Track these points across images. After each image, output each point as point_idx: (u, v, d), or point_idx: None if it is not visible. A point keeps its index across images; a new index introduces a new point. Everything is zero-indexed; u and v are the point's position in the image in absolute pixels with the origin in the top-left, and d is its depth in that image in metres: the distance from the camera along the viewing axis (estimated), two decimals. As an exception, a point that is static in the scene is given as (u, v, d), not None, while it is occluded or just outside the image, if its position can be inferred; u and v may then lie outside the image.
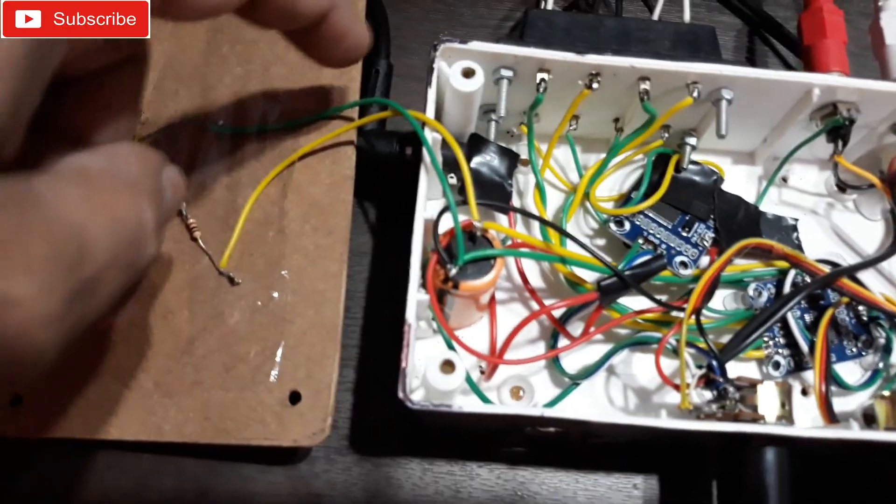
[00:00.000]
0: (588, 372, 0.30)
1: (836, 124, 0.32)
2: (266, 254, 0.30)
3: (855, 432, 0.27)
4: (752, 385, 0.28)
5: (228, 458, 0.30)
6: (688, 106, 0.30)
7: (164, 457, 0.30)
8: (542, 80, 0.30)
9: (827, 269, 0.31)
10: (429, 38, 0.30)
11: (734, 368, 0.30)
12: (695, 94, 0.30)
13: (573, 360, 0.31)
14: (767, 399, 0.28)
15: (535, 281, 0.33)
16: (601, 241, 0.34)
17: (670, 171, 0.33)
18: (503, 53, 0.29)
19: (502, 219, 0.33)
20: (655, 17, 0.35)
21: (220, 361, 0.29)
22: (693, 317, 0.29)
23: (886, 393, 0.30)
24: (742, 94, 0.31)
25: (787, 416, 0.28)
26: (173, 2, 0.21)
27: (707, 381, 0.28)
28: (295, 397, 0.28)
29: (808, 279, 0.32)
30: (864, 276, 0.34)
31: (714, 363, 0.28)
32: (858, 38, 0.36)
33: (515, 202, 0.34)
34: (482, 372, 0.31)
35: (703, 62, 0.30)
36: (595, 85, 0.30)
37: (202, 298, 0.30)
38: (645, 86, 0.30)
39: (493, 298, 0.32)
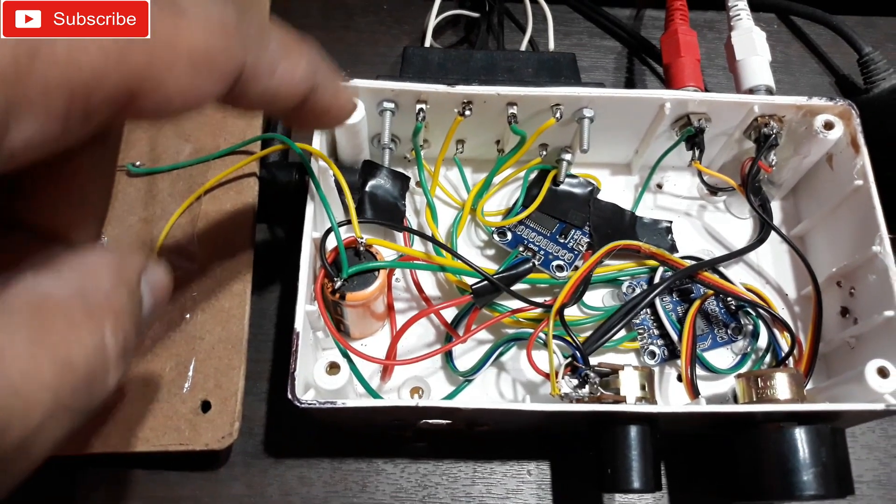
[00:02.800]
0: (476, 368, 0.33)
1: (689, 133, 0.35)
2: (179, 279, 0.33)
3: (701, 406, 0.30)
4: (615, 371, 0.31)
5: (156, 466, 0.33)
6: (553, 126, 0.34)
7: (96, 468, 0.33)
8: (421, 109, 0.34)
9: (689, 263, 0.35)
10: (337, 76, 0.33)
11: (626, 359, 0.34)
12: (558, 115, 0.34)
13: (467, 360, 0.34)
14: (628, 382, 0.31)
15: (433, 290, 0.36)
16: (491, 251, 0.37)
17: (547, 185, 0.36)
18: (381, 88, 0.33)
19: (399, 236, 0.36)
20: (523, 48, 0.38)
21: (140, 377, 0.32)
22: (560, 313, 0.32)
23: (743, 370, 0.33)
24: (603, 113, 0.35)
25: (648, 397, 0.31)
26: (145, 97, 0.16)
27: (573, 370, 0.31)
28: (206, 406, 0.31)
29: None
30: (735, 269, 0.38)
31: (577, 354, 0.31)
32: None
33: (412, 220, 0.37)
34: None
35: (563, 86, 0.34)
36: (468, 112, 0.34)
37: (123, 321, 0.33)
38: (513, 110, 0.34)
39: (391, 308, 0.35)
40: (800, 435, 0.30)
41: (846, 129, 0.35)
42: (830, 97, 0.35)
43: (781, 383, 0.31)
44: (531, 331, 0.33)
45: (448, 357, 0.34)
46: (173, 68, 0.17)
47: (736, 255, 0.36)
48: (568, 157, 0.37)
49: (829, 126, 0.34)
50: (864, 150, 0.34)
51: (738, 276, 0.37)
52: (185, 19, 0.17)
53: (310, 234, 0.31)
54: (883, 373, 0.30)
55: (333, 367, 0.29)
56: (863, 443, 0.36)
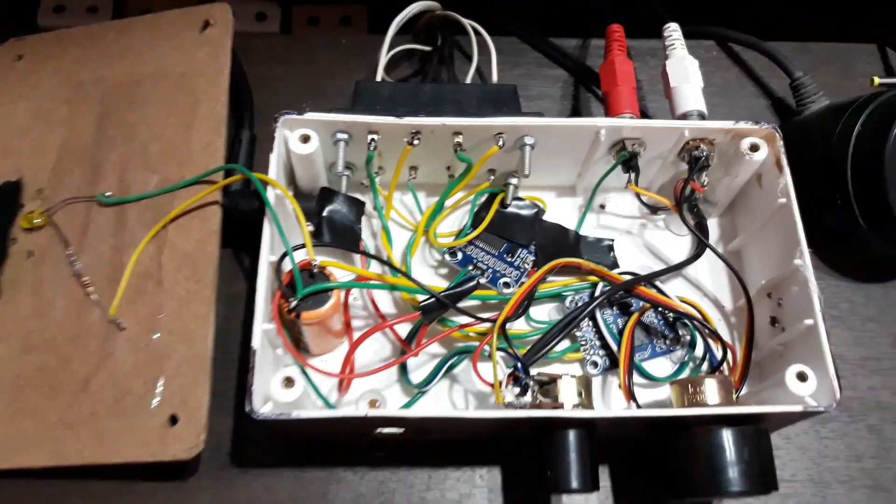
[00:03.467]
0: (428, 380, 0.36)
1: (624, 158, 0.38)
2: (147, 302, 0.36)
3: (632, 411, 0.33)
4: (553, 380, 0.33)
5: (128, 477, 0.35)
6: (496, 153, 0.36)
7: (72, 480, 0.35)
8: (373, 139, 0.36)
9: (626, 278, 0.37)
10: (297, 109, 0.35)
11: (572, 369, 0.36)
12: (500, 142, 0.36)
13: (420, 374, 0.37)
14: (566, 390, 0.33)
15: (390, 308, 0.38)
16: (444, 271, 0.40)
17: (494, 207, 0.39)
18: (334, 121, 0.36)
19: (357, 258, 0.38)
20: (468, 80, 0.41)
21: (111, 395, 0.34)
22: (503, 327, 0.34)
23: (683, 377, 0.35)
24: (544, 140, 0.37)
25: (585, 404, 0.33)
26: None
27: (515, 380, 0.33)
28: (173, 420, 0.33)
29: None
30: (674, 283, 0.40)
31: (519, 365, 0.33)
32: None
33: (370, 242, 0.40)
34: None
35: (504, 116, 0.36)
36: (416, 141, 0.36)
37: (95, 343, 0.35)
38: (458, 139, 0.36)
39: (348, 325, 0.37)
40: (726, 436, 0.32)
41: (771, 150, 0.37)
42: (756, 121, 0.37)
43: (711, 389, 0.33)
44: (476, 344, 0.36)
45: (403, 371, 0.36)
46: None
47: (670, 271, 0.38)
48: (514, 181, 0.39)
49: (754, 148, 0.37)
50: (787, 170, 0.37)
51: (677, 289, 0.40)
52: None
53: (266, 257, 0.33)
54: (802, 377, 0.33)
55: (289, 382, 0.31)
56: (797, 444, 0.39)
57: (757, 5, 0.48)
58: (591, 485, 0.32)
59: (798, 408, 0.32)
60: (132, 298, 0.36)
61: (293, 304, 0.32)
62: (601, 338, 0.38)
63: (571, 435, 0.32)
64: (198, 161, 0.38)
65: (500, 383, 0.33)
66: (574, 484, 0.32)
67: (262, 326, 0.32)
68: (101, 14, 0.52)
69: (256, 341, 0.32)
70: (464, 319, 0.36)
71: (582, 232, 0.40)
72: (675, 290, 0.39)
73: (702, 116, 0.39)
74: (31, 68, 0.42)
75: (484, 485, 0.36)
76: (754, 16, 0.47)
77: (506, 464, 0.37)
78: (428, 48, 0.44)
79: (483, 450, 0.37)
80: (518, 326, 0.38)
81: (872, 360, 0.41)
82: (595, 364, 0.37)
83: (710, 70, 0.48)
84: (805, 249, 0.35)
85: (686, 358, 0.38)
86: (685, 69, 0.40)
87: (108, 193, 0.38)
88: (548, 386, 0.34)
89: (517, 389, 0.33)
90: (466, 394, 0.37)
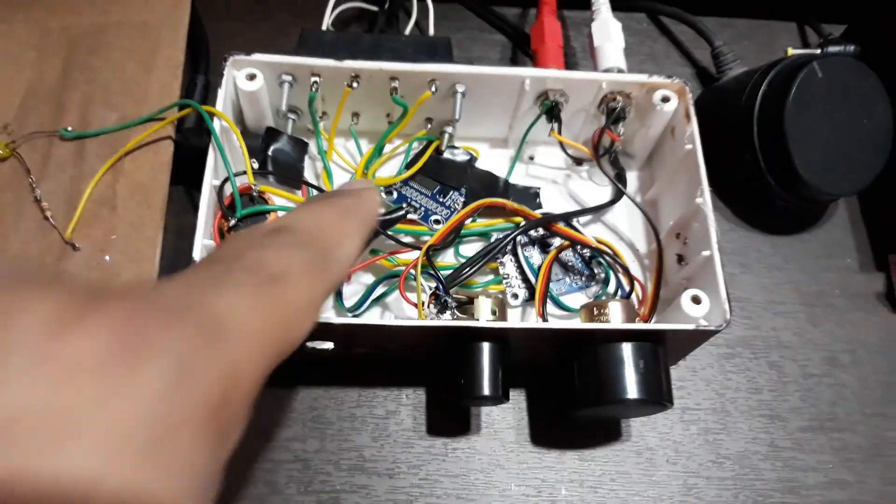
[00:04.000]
0: (359, 304, 0.39)
1: (547, 107, 0.41)
2: (101, 226, 0.38)
3: (538, 323, 0.36)
4: (471, 300, 0.37)
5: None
6: (430, 99, 0.40)
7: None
8: (315, 81, 0.39)
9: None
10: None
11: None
12: (433, 88, 0.40)
13: (354, 299, 0.40)
14: (482, 308, 0.36)
15: (329, 243, 0.41)
16: (382, 209, 0.43)
17: (430, 152, 0.42)
18: (278, 62, 0.39)
19: (298, 192, 0.41)
20: (407, 32, 0.44)
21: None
22: (427, 253, 0.37)
23: (584, 302, 0.38)
24: (474, 88, 0.40)
25: (498, 320, 0.36)
26: None
27: (436, 298, 0.37)
28: (120, 330, 0.36)
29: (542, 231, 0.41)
30: (594, 227, 0.43)
31: (440, 286, 0.36)
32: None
33: (313, 181, 0.43)
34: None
35: (437, 64, 0.39)
36: (355, 85, 0.39)
37: (51, 262, 0.38)
38: (395, 84, 0.40)
39: (289, 255, 0.40)
40: (625, 349, 0.35)
41: (681, 102, 0.41)
42: (668, 76, 0.41)
43: (614, 310, 0.36)
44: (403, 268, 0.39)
45: (338, 297, 0.39)
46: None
47: (587, 213, 0.42)
48: (449, 129, 0.42)
49: (665, 100, 0.40)
50: (694, 119, 0.40)
51: (597, 232, 0.43)
52: None
53: (209, 181, 0.36)
54: (696, 300, 0.36)
55: (225, 290, 0.34)
56: (702, 377, 0.42)
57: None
58: (501, 394, 0.35)
59: (690, 326, 0.35)
60: (88, 222, 0.39)
61: (232, 223, 0.35)
62: (522, 272, 0.41)
63: (485, 346, 0.35)
64: (155, 101, 0.41)
65: (423, 303, 0.36)
66: (486, 391, 0.35)
67: (203, 242, 0.35)
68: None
69: (197, 254, 0.35)
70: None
71: (511, 180, 0.44)
72: (595, 232, 0.43)
73: (620, 72, 0.42)
74: (1, 16, 0.45)
75: (409, 403, 0.39)
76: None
77: (430, 385, 0.40)
78: (375, 8, 0.47)
79: (410, 371, 0.40)
80: (447, 260, 0.41)
81: (776, 303, 0.44)
82: (516, 296, 0.40)
83: (640, 40, 0.51)
84: (706, 188, 0.38)
85: (600, 293, 0.41)
86: (608, 30, 0.43)
87: (69, 128, 0.41)
88: (466, 305, 0.37)
89: (437, 308, 0.37)
90: (395, 319, 0.40)
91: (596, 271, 0.42)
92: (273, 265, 0.21)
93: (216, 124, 0.37)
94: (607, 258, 0.41)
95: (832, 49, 0.48)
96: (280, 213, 0.37)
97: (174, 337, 0.17)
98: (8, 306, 0.15)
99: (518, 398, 0.40)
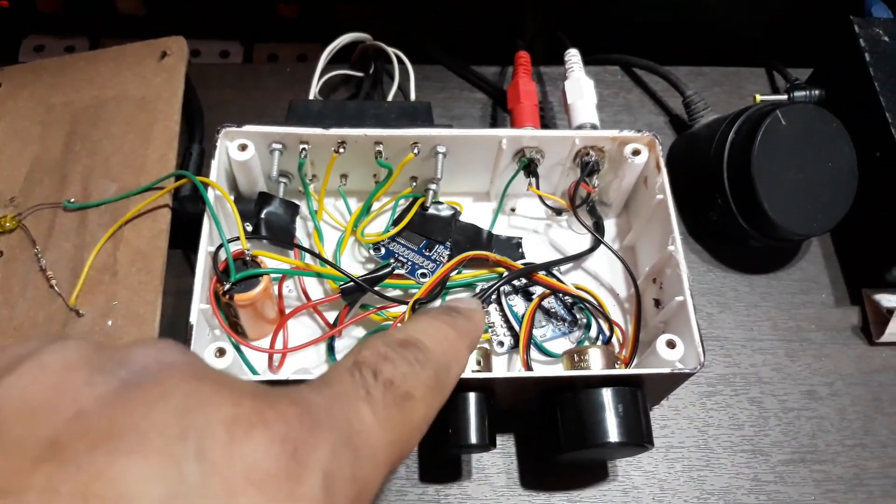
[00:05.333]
0: (351, 358, 0.40)
1: (524, 164, 0.43)
2: (104, 292, 0.41)
3: (522, 373, 0.37)
4: (457, 351, 0.38)
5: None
6: (413, 160, 0.42)
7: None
8: (303, 148, 0.42)
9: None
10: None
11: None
12: (416, 151, 0.42)
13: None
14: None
15: (321, 297, 0.43)
16: (371, 265, 0.45)
17: (415, 208, 0.44)
18: (268, 132, 0.41)
19: (292, 255, 0.43)
20: (391, 96, 0.47)
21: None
22: (414, 307, 0.39)
23: (567, 348, 0.40)
24: (454, 149, 0.43)
25: (483, 371, 0.38)
26: None
27: (423, 351, 0.38)
28: (123, 392, 0.38)
29: (524, 280, 0.43)
30: (574, 274, 0.45)
31: (426, 337, 0.38)
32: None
33: (305, 242, 0.45)
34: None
35: (418, 128, 0.42)
36: (342, 150, 0.42)
37: (56, 328, 0.40)
38: (379, 148, 0.42)
39: (282, 312, 0.42)
40: (605, 394, 0.37)
41: (651, 154, 0.43)
42: (639, 129, 0.43)
43: (594, 356, 0.38)
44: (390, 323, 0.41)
45: (330, 351, 0.41)
46: None
47: (566, 262, 0.44)
48: (433, 186, 0.45)
49: (636, 153, 0.43)
50: (664, 170, 0.42)
51: (578, 279, 0.45)
52: None
53: (205, 247, 0.38)
54: (671, 344, 0.38)
55: (220, 351, 0.36)
56: (685, 415, 0.43)
57: (658, 35, 0.55)
58: (488, 441, 0.37)
59: (666, 369, 0.37)
60: (91, 288, 0.41)
61: (226, 287, 0.37)
62: (506, 321, 0.43)
63: (471, 396, 0.37)
64: (152, 171, 0.43)
65: (410, 355, 0.38)
66: (473, 440, 0.36)
67: (199, 306, 0.37)
68: (79, 53, 0.58)
69: (193, 318, 0.36)
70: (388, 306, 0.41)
71: (494, 231, 0.46)
72: (576, 279, 0.45)
73: (594, 128, 0.45)
74: (8, 94, 0.47)
75: (402, 451, 0.41)
76: (655, 44, 0.53)
77: (423, 433, 0.41)
78: (360, 74, 0.50)
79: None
80: (435, 312, 0.43)
81: (755, 340, 0.46)
82: (501, 344, 0.42)
83: (615, 92, 0.54)
84: (677, 237, 0.40)
85: (583, 337, 0.43)
86: (580, 87, 0.46)
87: (72, 200, 0.43)
88: (451, 357, 0.39)
89: (424, 360, 0.38)
90: (387, 371, 0.42)
91: (578, 317, 0.43)
92: (406, 383, 0.23)
93: (210, 193, 0.39)
94: (588, 304, 0.43)
95: (798, 94, 0.51)
96: (290, 278, 0.39)
97: (327, 451, 0.18)
98: (191, 403, 0.17)
99: (507, 443, 0.41)
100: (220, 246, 0.38)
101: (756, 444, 0.43)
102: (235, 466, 0.16)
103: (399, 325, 0.39)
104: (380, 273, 0.40)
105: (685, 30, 0.56)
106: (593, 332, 0.43)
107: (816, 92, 0.51)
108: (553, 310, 0.44)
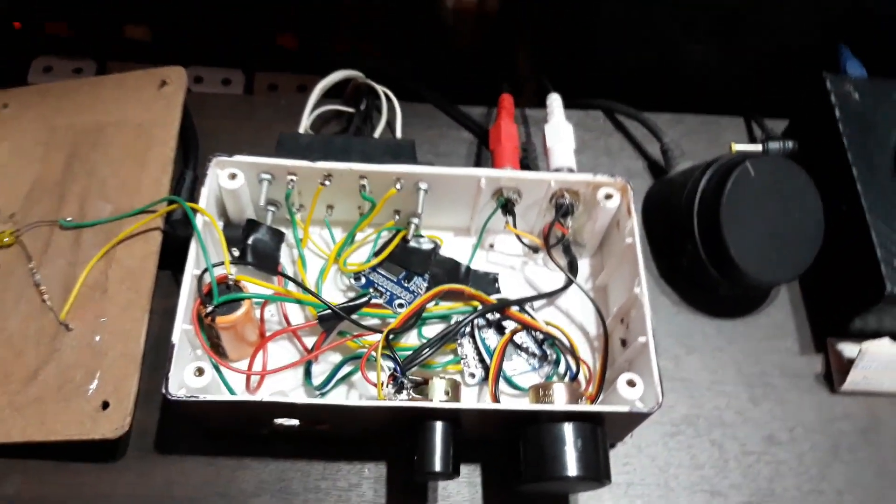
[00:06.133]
0: (325, 382, 0.42)
1: (501, 203, 0.45)
2: (93, 308, 0.42)
3: (488, 405, 0.39)
4: (426, 381, 0.40)
5: (65, 458, 0.41)
6: (395, 195, 0.44)
7: (16, 460, 0.41)
8: (291, 180, 0.44)
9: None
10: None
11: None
12: (398, 186, 0.44)
13: (321, 377, 0.43)
14: (436, 389, 0.40)
15: (301, 320, 0.45)
16: (352, 294, 0.46)
17: (396, 240, 0.46)
18: (257, 163, 0.43)
19: (276, 280, 0.45)
20: (377, 135, 0.49)
21: (55, 384, 0.40)
22: (387, 337, 0.41)
23: (535, 382, 0.42)
24: (435, 186, 0.44)
25: (452, 401, 0.40)
26: None
27: (394, 379, 0.40)
28: (105, 405, 0.40)
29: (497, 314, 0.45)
30: (547, 311, 0.47)
31: (397, 367, 0.40)
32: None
33: (290, 268, 0.47)
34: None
35: (401, 164, 0.44)
36: (327, 182, 0.44)
37: (46, 341, 0.42)
38: (363, 182, 0.44)
39: (263, 335, 0.44)
40: (565, 429, 0.38)
41: (623, 199, 0.45)
42: (612, 174, 0.45)
43: (559, 392, 0.40)
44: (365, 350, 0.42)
45: (307, 376, 0.43)
46: None
47: (537, 298, 0.45)
48: (415, 220, 0.46)
49: (609, 197, 0.44)
50: (634, 215, 0.44)
51: (551, 317, 0.46)
52: None
53: (191, 270, 0.40)
54: (631, 383, 0.39)
55: (200, 371, 0.38)
56: (647, 453, 0.45)
57: (641, 81, 0.57)
58: (451, 470, 0.38)
59: (625, 408, 0.38)
60: (82, 304, 0.42)
61: (209, 309, 0.39)
62: (479, 353, 0.44)
63: (438, 425, 0.39)
64: (146, 194, 0.45)
65: (382, 383, 0.40)
66: (437, 467, 0.38)
67: (182, 326, 0.39)
68: (86, 75, 0.60)
69: (176, 337, 0.38)
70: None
71: (473, 266, 0.47)
72: (548, 316, 0.46)
73: (570, 171, 0.47)
74: (14, 114, 0.49)
75: (371, 476, 0.42)
76: (638, 90, 0.55)
77: (391, 460, 0.43)
78: (351, 109, 0.52)
79: (371, 446, 0.43)
80: (411, 341, 0.44)
81: (719, 383, 0.47)
82: (473, 375, 0.44)
83: (596, 136, 0.56)
84: (643, 279, 0.42)
85: (551, 373, 0.45)
86: (559, 132, 0.48)
87: (68, 219, 0.45)
88: (422, 386, 0.40)
89: (395, 388, 0.40)
90: (361, 398, 0.43)
91: (548, 352, 0.45)
92: None
93: (199, 219, 0.41)
94: (558, 341, 0.44)
95: (773, 145, 0.53)
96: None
97: None
98: None
99: (473, 473, 0.43)
100: (205, 270, 0.40)
101: (715, 486, 0.44)
102: None
103: (373, 353, 0.41)
104: (357, 302, 0.42)
105: (668, 78, 0.58)
106: (562, 368, 0.45)
107: (790, 144, 0.53)
108: (524, 345, 0.45)
